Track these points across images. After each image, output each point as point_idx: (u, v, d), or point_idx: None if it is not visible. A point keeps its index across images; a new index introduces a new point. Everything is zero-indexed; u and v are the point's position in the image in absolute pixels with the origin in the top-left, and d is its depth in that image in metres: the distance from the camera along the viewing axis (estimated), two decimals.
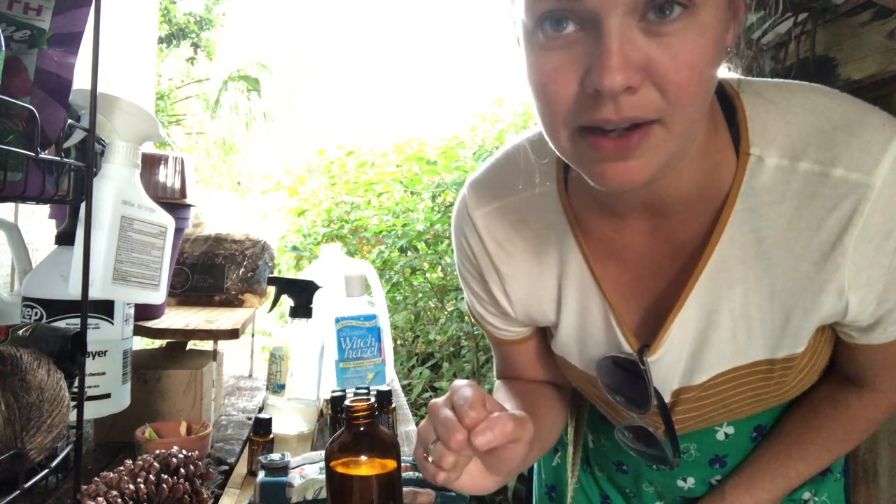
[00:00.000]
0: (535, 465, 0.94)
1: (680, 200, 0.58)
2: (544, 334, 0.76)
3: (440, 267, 3.47)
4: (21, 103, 0.64)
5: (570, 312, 0.67)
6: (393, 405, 1.16)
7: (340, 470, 0.62)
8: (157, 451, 0.80)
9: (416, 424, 1.27)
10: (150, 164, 1.24)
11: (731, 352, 0.61)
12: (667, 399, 0.66)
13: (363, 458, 0.62)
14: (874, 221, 0.52)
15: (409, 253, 3.41)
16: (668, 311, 0.61)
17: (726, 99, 0.58)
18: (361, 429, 0.63)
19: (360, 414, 0.62)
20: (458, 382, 0.55)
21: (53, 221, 1.21)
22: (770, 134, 0.55)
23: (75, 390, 0.71)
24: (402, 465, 0.69)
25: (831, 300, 0.56)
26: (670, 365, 0.63)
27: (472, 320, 0.79)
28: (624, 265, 0.64)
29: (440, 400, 0.55)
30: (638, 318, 0.65)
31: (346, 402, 0.63)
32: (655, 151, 0.48)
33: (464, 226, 0.70)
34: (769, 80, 0.59)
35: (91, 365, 0.89)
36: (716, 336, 0.61)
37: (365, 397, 0.63)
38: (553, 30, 0.47)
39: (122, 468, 0.75)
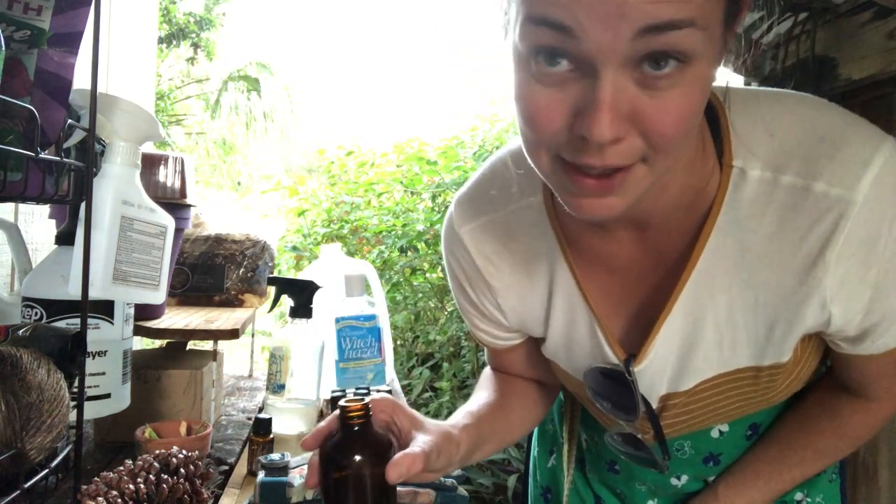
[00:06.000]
0: (531, 466, 0.94)
1: (664, 212, 0.58)
2: (535, 340, 0.77)
3: (440, 267, 3.47)
4: (21, 103, 0.64)
5: (557, 323, 0.68)
6: None
7: (335, 470, 0.62)
8: (157, 451, 0.80)
9: None
10: (150, 164, 1.24)
11: (717, 359, 0.61)
12: (654, 404, 0.66)
13: (357, 458, 0.62)
14: (856, 237, 0.51)
15: (409, 253, 3.41)
16: (654, 320, 0.61)
17: (711, 110, 0.57)
18: (356, 429, 0.62)
19: (355, 414, 0.62)
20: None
21: (53, 221, 1.21)
22: (753, 146, 0.54)
23: (75, 390, 0.71)
24: None
25: (814, 312, 0.56)
26: (657, 372, 0.63)
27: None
28: (611, 274, 0.64)
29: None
30: (624, 327, 0.65)
31: (341, 403, 0.63)
32: (635, 187, 0.49)
33: (451, 243, 0.70)
34: (757, 88, 0.58)
35: (91, 365, 0.89)
36: (701, 344, 0.61)
37: (359, 397, 0.63)
38: (546, 64, 0.45)
39: (122, 468, 0.75)
